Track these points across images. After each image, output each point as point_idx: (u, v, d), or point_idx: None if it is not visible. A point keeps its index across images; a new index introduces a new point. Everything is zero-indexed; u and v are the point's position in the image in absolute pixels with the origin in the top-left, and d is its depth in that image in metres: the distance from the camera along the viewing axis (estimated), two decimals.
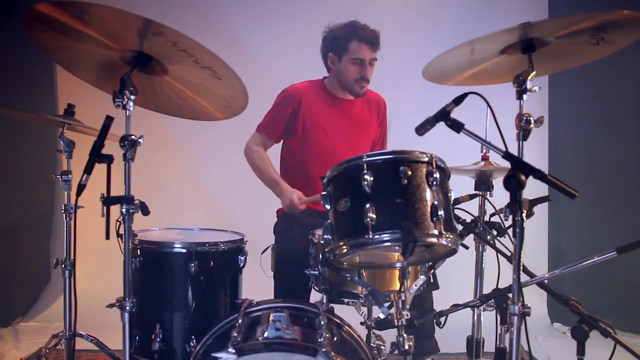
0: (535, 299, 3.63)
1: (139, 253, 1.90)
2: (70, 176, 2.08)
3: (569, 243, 3.62)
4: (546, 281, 1.80)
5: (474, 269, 2.06)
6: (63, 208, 2.09)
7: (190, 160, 3.83)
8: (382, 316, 1.72)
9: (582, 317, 1.70)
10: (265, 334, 1.39)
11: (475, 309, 2.02)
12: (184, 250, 1.85)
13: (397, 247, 1.45)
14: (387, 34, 3.35)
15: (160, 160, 3.72)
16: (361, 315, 1.97)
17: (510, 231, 1.93)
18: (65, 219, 2.10)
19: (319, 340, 1.40)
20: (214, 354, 1.29)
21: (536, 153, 3.74)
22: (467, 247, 1.80)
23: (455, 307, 1.85)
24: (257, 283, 2.22)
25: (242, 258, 2.01)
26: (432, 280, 2.20)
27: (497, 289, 1.75)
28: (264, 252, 2.32)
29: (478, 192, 1.97)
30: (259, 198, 2.63)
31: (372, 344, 1.99)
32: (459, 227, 1.83)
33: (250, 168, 2.47)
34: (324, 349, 1.31)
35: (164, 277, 1.87)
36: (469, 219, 1.88)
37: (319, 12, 3.50)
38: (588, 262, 1.71)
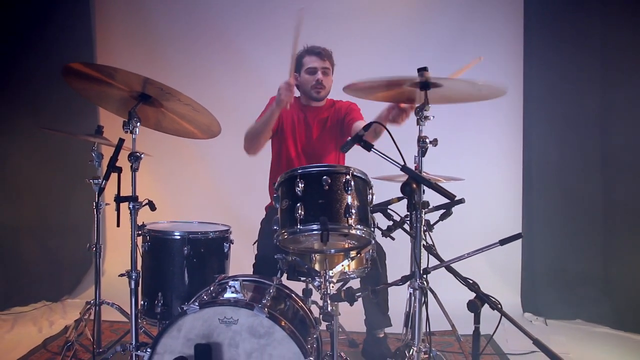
0: (511, 291, 4.06)
1: (148, 239, 2.50)
2: (98, 180, 2.71)
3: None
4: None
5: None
6: (94, 205, 2.73)
7: (205, 168, 4.47)
8: (334, 292, 2.25)
9: (477, 294, 2.15)
10: (224, 296, 1.95)
11: (410, 289, 2.50)
12: (180, 237, 2.44)
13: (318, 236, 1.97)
14: (377, 54, 3.93)
15: (179, 168, 4.43)
16: (317, 291, 2.49)
17: (437, 226, 2.46)
18: (96, 213, 2.74)
19: (263, 301, 1.94)
20: (182, 306, 1.87)
21: (510, 157, 4.19)
22: (393, 239, 2.29)
23: (385, 285, 2.36)
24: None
25: (227, 245, 2.57)
26: (375, 264, 2.69)
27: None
28: (255, 243, 2.88)
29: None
30: (258, 199, 3.15)
31: None
32: (389, 223, 2.33)
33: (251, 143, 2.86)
34: (259, 305, 1.86)
35: (165, 258, 2.45)
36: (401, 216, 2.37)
37: (314, 30, 4.07)
38: (478, 251, 2.15)
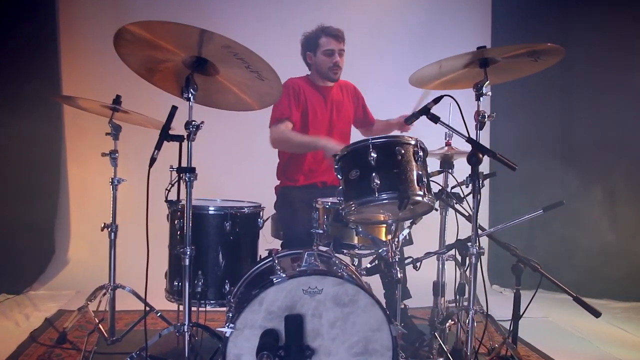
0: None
1: (178, 215, 2.35)
2: (117, 155, 2.48)
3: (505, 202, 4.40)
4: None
5: (439, 228, 2.65)
6: (110, 180, 2.50)
7: (224, 152, 4.25)
8: (369, 265, 2.30)
9: (519, 259, 2.32)
10: (301, 266, 1.91)
11: (440, 259, 2.61)
12: (222, 213, 2.33)
13: (392, 205, 1.99)
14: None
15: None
16: (353, 264, 2.51)
17: (468, 198, 2.57)
18: (112, 190, 2.51)
19: (340, 271, 1.92)
20: (271, 277, 1.81)
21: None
22: (437, 209, 2.39)
23: (427, 255, 2.44)
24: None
25: (260, 220, 2.51)
26: (410, 238, 2.78)
27: (458, 240, 2.34)
28: (265, 220, 2.81)
29: (443, 169, 2.54)
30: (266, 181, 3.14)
31: None
32: None
33: (285, 149, 2.94)
34: (347, 275, 1.86)
35: (205, 234, 2.33)
36: (436, 189, 2.46)
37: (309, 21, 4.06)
38: (521, 219, 2.33)
